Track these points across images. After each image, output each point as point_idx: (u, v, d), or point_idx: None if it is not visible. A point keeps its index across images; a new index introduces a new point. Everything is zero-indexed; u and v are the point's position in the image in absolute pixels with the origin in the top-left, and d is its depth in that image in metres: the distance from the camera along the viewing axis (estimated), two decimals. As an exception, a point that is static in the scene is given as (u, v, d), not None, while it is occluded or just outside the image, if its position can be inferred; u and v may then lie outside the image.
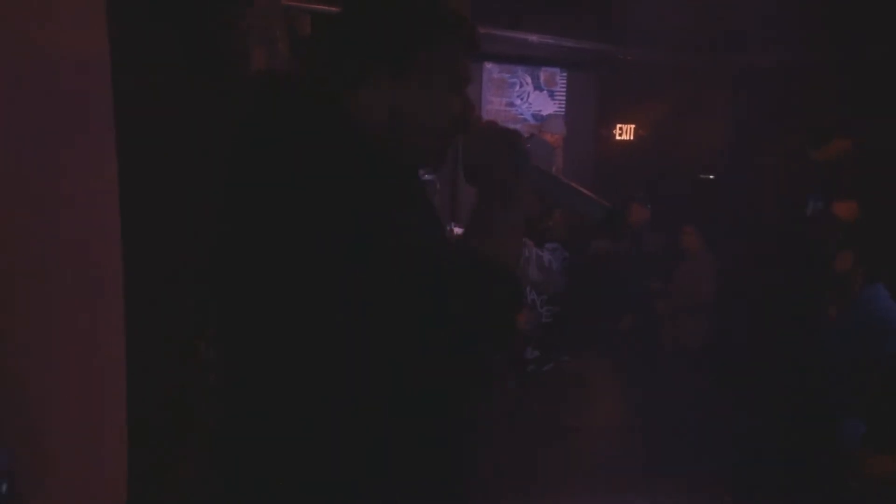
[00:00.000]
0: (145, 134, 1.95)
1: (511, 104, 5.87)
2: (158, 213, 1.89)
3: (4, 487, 1.48)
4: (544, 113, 5.88)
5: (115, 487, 1.78)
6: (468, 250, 0.94)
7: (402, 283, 0.83)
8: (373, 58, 0.97)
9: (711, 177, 6.01)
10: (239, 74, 2.47)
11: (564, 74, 6.03)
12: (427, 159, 1.02)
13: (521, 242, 1.03)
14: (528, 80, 5.92)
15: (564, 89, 6.05)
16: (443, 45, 0.99)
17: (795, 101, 5.30)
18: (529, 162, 1.01)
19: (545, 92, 5.99)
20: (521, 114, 5.88)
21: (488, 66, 5.72)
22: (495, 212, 0.99)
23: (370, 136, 0.95)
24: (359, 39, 0.97)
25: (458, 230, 4.04)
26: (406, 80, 0.97)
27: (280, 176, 0.87)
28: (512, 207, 1.00)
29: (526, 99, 5.92)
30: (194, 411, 1.99)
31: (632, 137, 6.18)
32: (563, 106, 6.05)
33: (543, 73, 5.96)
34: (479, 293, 0.88)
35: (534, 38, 5.19)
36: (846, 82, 5.35)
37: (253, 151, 0.92)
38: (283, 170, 0.88)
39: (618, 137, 6.18)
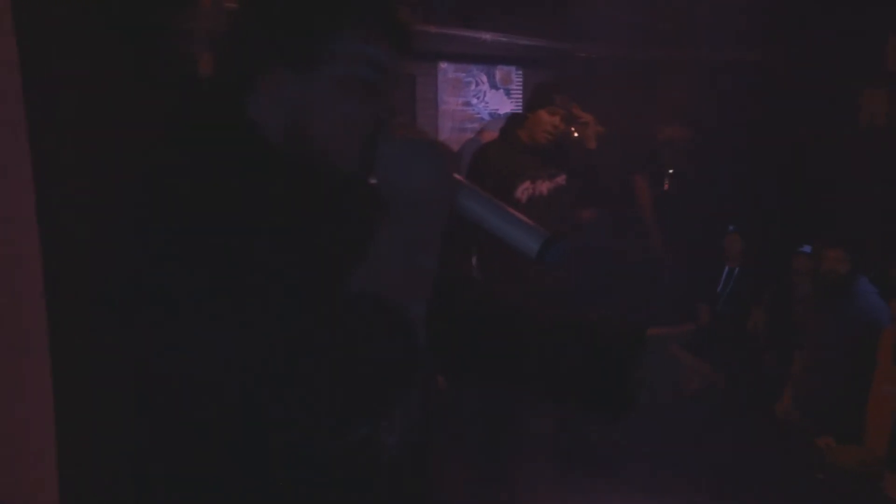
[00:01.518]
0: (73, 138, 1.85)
1: (468, 103, 5.80)
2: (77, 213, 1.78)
3: None
4: (501, 111, 5.82)
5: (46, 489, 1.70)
6: (362, 290, 0.74)
7: (251, 314, 0.69)
8: (268, 51, 0.84)
9: (671, 171, 6.00)
10: (185, 79, 2.37)
11: (520, 72, 5.97)
12: (338, 168, 0.87)
13: (431, 278, 0.81)
14: (484, 78, 5.85)
15: (521, 87, 6.00)
16: (350, 35, 0.84)
17: (753, 96, 5.32)
18: (459, 180, 0.85)
19: (501, 90, 5.93)
20: (479, 113, 5.82)
21: (443, 65, 5.64)
22: (407, 239, 0.80)
23: (269, 140, 0.84)
24: (253, 30, 0.86)
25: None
26: (307, 76, 0.84)
27: (172, 185, 0.78)
28: (429, 234, 0.82)
29: (482, 98, 5.86)
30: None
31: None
32: (521, 104, 5.99)
33: (499, 72, 5.90)
34: (353, 351, 0.70)
35: (487, 36, 5.12)
36: (797, 78, 5.41)
37: (155, 157, 0.83)
38: (175, 177, 0.78)
39: (576, 134, 6.14)
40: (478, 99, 5.83)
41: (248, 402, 0.70)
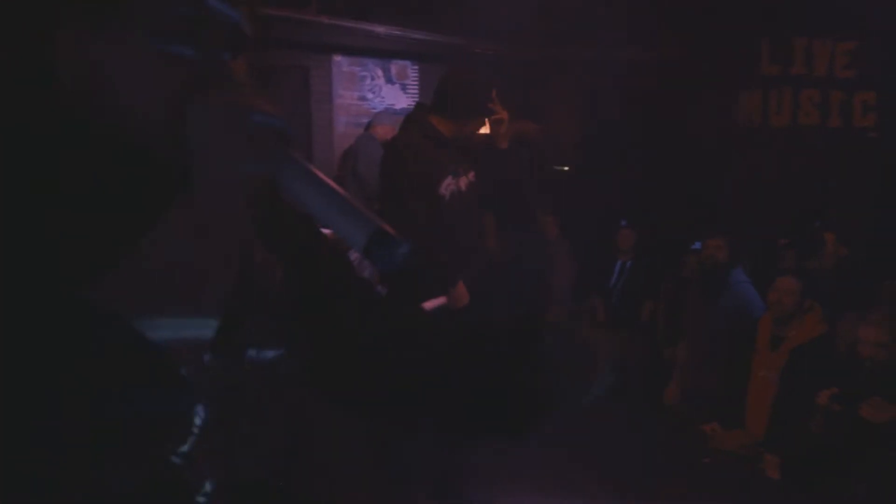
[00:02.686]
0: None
1: (363, 98, 5.70)
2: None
3: None
4: (398, 107, 5.76)
5: None
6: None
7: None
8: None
9: (566, 168, 6.13)
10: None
11: (416, 67, 5.93)
12: (146, 136, 0.72)
13: (229, 271, 0.69)
14: (380, 73, 5.77)
15: (417, 82, 5.95)
16: None
17: (645, 94, 5.49)
18: (284, 155, 0.70)
19: (397, 85, 5.87)
20: (375, 108, 5.73)
21: (337, 58, 5.52)
22: (200, 223, 0.67)
23: (61, 106, 0.70)
24: None
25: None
26: (104, 28, 0.68)
27: None
28: (229, 217, 0.68)
29: (378, 92, 5.77)
30: None
31: (487, 130, 6.17)
32: (417, 99, 5.95)
33: (394, 66, 5.83)
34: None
35: (381, 29, 5.05)
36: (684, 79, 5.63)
37: None
38: None
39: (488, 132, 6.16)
40: (373, 93, 5.74)
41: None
